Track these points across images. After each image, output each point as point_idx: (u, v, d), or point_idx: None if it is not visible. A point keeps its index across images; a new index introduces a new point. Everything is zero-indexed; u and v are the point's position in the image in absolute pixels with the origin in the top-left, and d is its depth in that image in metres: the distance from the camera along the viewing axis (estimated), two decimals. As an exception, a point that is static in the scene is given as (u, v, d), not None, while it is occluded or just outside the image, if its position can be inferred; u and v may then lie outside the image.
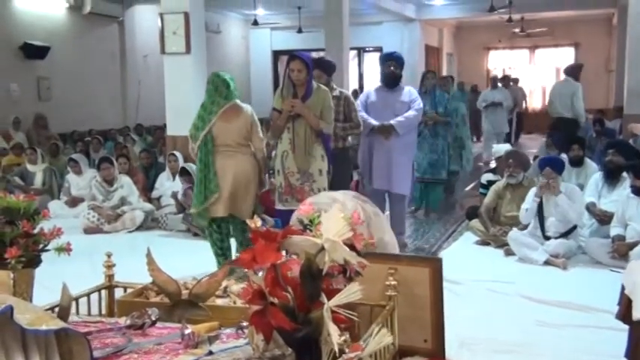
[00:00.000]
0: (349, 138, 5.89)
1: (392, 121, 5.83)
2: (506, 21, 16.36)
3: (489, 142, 12.62)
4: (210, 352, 2.19)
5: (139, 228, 7.16)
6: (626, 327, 3.08)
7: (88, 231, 6.92)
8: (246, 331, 2.55)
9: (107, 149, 10.37)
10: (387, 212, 6.12)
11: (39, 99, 11.78)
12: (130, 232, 7.08)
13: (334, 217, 2.12)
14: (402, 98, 5.97)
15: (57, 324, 1.43)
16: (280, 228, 4.67)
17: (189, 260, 5.83)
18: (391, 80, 6.00)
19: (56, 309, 2.23)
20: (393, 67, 5.98)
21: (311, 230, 2.53)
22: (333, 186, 5.58)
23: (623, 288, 2.49)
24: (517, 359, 3.52)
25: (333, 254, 2.03)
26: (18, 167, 8.75)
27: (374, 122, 5.84)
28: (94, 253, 5.79)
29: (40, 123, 11.11)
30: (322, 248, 2.04)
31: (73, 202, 7.94)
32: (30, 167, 8.57)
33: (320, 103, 5.03)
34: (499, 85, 13.92)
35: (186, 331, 2.29)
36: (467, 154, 8.86)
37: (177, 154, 7.70)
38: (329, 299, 1.97)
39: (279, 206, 5.19)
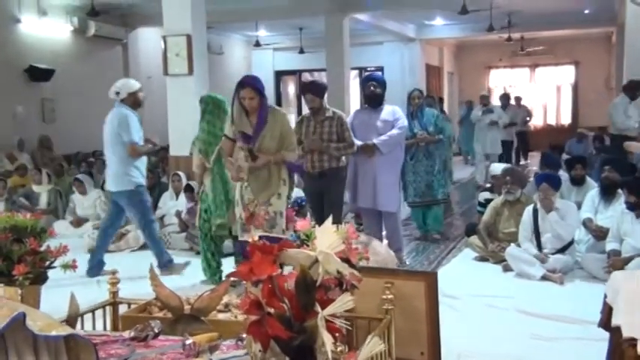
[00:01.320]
0: (343, 158, 5.88)
1: (375, 140, 5.88)
2: (505, 40, 16.53)
3: (480, 164, 12.22)
4: (210, 361, 2.28)
5: (143, 247, 7.25)
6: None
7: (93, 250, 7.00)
8: (243, 343, 2.64)
9: (111, 170, 10.47)
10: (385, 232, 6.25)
11: (43, 121, 11.94)
12: (134, 250, 7.17)
13: (328, 231, 2.21)
14: (384, 117, 6.01)
15: (66, 330, 1.52)
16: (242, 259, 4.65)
17: (192, 278, 5.94)
18: (373, 100, 6.07)
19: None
20: (373, 87, 6.03)
21: (308, 245, 2.63)
22: (328, 205, 5.68)
23: (605, 297, 2.58)
24: (513, 371, 3.59)
25: (326, 266, 2.12)
26: (23, 188, 8.87)
27: (357, 142, 5.87)
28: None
29: (44, 144, 11.25)
30: (316, 260, 2.13)
31: (78, 222, 8.05)
32: (35, 188, 8.69)
33: (277, 128, 4.83)
34: (492, 103, 13.23)
35: (188, 342, 2.38)
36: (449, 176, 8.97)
37: (181, 173, 7.83)
38: (323, 309, 2.06)
39: (243, 237, 4.93)
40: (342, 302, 2.06)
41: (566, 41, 19.19)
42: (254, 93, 4.71)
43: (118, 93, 6.21)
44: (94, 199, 7.82)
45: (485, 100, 12.79)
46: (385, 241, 6.02)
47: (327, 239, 2.16)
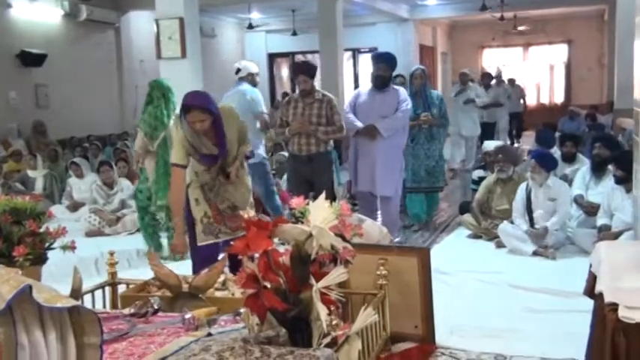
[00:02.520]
0: (332, 142, 5.80)
1: (377, 124, 5.72)
2: (498, 19, 16.53)
3: (455, 146, 11.49)
4: (210, 334, 2.34)
5: (140, 230, 7.31)
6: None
7: (90, 234, 7.05)
8: (241, 317, 2.72)
9: (106, 154, 10.51)
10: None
11: (37, 106, 11.92)
12: (131, 233, 7.22)
13: (321, 206, 2.28)
14: (389, 100, 5.85)
15: (70, 302, 1.58)
16: (197, 266, 4.10)
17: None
18: (379, 82, 5.88)
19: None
20: (382, 71, 5.86)
21: (302, 222, 2.69)
22: (315, 190, 5.60)
23: (590, 266, 2.66)
24: (504, 344, 3.67)
25: (320, 240, 2.18)
26: (18, 173, 8.89)
27: (359, 124, 5.77)
28: (96, 255, 6.00)
29: (38, 129, 11.24)
30: (310, 235, 2.19)
31: (74, 206, 8.08)
32: (30, 173, 8.71)
33: (234, 129, 4.20)
34: (470, 82, 11.62)
35: (187, 316, 2.45)
36: None
37: (168, 156, 7.90)
38: (318, 282, 2.13)
39: (207, 241, 4.26)
40: (336, 275, 2.14)
41: (559, 20, 19.19)
42: (204, 115, 3.96)
43: (239, 70, 6.78)
44: (91, 182, 7.84)
45: (464, 78, 11.56)
46: (379, 220, 6.03)
47: (321, 214, 2.23)
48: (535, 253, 5.56)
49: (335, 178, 7.15)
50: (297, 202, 2.78)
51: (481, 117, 11.93)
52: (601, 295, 2.21)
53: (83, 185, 8.18)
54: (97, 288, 3.62)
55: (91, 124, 12.74)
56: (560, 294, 4.49)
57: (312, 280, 2.12)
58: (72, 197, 8.18)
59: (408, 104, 5.89)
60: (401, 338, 3.62)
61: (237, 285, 2.54)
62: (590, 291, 2.53)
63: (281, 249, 2.35)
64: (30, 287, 1.48)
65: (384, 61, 5.95)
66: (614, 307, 2.11)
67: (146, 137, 5.77)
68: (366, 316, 2.28)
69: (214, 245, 4.27)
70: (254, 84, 6.72)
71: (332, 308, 2.19)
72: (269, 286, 2.12)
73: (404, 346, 3.59)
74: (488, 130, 12.25)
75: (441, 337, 3.70)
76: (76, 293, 2.18)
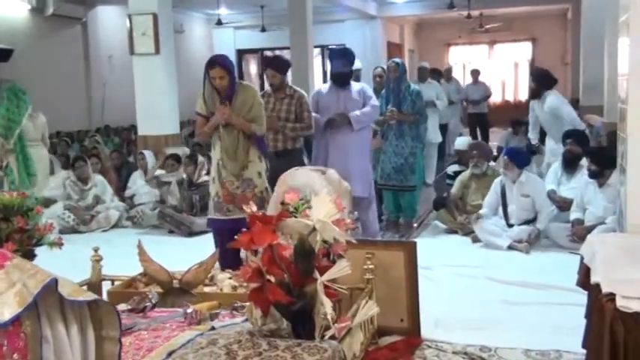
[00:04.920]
0: (301, 139, 5.73)
1: (350, 114, 5.60)
2: (465, 17, 16.73)
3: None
4: (213, 328, 2.37)
5: (114, 227, 7.27)
6: (583, 300, 3.36)
7: (64, 232, 6.95)
8: (238, 312, 2.75)
9: (74, 151, 10.39)
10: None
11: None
12: (105, 230, 7.18)
13: (324, 201, 2.32)
14: (353, 96, 5.72)
15: (90, 295, 1.60)
16: (216, 239, 4.81)
17: (167, 256, 5.95)
18: (339, 79, 5.76)
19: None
20: (340, 67, 5.72)
21: (296, 217, 2.73)
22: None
23: (582, 258, 2.75)
24: (487, 335, 3.74)
25: (323, 233, 2.22)
26: (-15, 170, 8.73)
27: (324, 119, 5.66)
28: (72, 252, 5.92)
29: (5, 126, 11.05)
30: (314, 229, 2.23)
31: (45, 203, 7.97)
32: (-1, 170, 8.56)
33: (248, 102, 4.74)
34: (429, 79, 10.04)
35: (189, 310, 2.46)
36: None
37: (145, 152, 7.86)
38: (321, 275, 2.17)
39: (216, 215, 4.83)
40: (340, 268, 2.18)
41: (524, 18, 19.52)
42: (224, 72, 4.60)
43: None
44: (62, 178, 7.74)
45: (422, 73, 10.00)
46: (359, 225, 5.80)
47: (324, 208, 2.27)
48: (510, 248, 5.67)
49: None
50: (290, 197, 2.82)
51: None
52: (597, 286, 2.30)
53: (54, 182, 8.07)
54: (82, 284, 3.59)
55: (59, 121, 12.53)
56: (535, 287, 4.60)
57: (316, 274, 2.16)
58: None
59: (375, 100, 5.82)
60: (387, 332, 3.67)
61: (240, 279, 2.57)
62: (583, 282, 2.63)
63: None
64: (56, 281, 1.50)
65: (342, 57, 5.80)
66: (612, 297, 2.20)
67: (1, 137, 6.11)
68: (368, 309, 2.32)
69: (224, 221, 4.75)
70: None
71: (334, 300, 2.23)
72: (273, 280, 2.15)
73: (390, 339, 3.64)
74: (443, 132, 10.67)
75: (425, 330, 3.76)
76: (94, 288, 2.18)
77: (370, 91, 5.88)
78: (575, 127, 6.60)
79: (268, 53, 19.16)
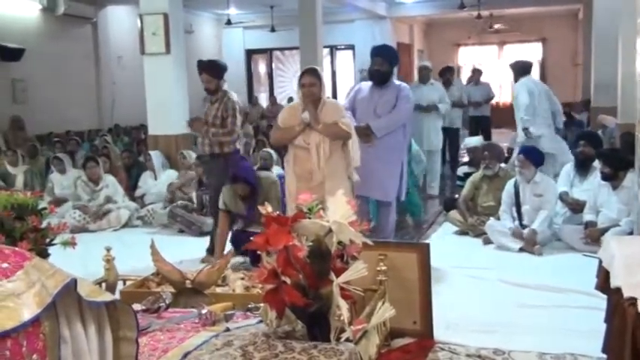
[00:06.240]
0: (232, 145, 5.67)
1: (370, 123, 5.29)
2: (475, 17, 16.68)
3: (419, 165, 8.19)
4: (228, 329, 2.36)
5: (124, 226, 7.28)
6: (597, 303, 3.33)
7: (74, 230, 6.97)
8: (252, 313, 2.73)
9: (84, 150, 10.42)
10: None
11: (14, 101, 11.77)
12: (116, 230, 7.18)
13: (340, 202, 2.30)
14: (387, 97, 5.41)
15: (109, 296, 1.59)
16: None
17: (178, 255, 5.97)
18: (376, 77, 5.48)
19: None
20: (377, 65, 5.44)
21: (310, 218, 2.71)
22: (209, 191, 5.71)
23: (600, 261, 2.72)
24: (500, 338, 3.71)
25: (340, 235, 2.21)
26: (-3, 169, 8.76)
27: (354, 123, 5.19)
28: (83, 251, 5.92)
29: (16, 125, 11.09)
30: (330, 230, 2.21)
31: (57, 202, 7.99)
32: (11, 169, 8.59)
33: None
34: (433, 80, 8.93)
35: (203, 311, 2.45)
36: None
37: (152, 153, 7.88)
38: (336, 277, 2.16)
39: None
40: (356, 270, 2.16)
41: (534, 18, 19.44)
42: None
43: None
44: (74, 178, 7.76)
45: (424, 74, 8.90)
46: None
47: (340, 210, 2.25)
48: (522, 250, 5.63)
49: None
50: (304, 198, 2.80)
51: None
52: (618, 290, 2.27)
53: (65, 181, 8.10)
54: (95, 284, 3.60)
55: (69, 120, 12.61)
56: (550, 289, 4.56)
57: (332, 276, 2.14)
58: (53, 193, 8.09)
59: (407, 101, 5.44)
60: (399, 334, 3.65)
61: (257, 280, 2.56)
62: (602, 286, 2.60)
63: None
64: (75, 282, 1.49)
65: (380, 55, 5.54)
66: (633, 301, 2.17)
67: None
68: (384, 311, 2.31)
69: None
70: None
71: (349, 303, 2.22)
72: (288, 281, 2.14)
73: (403, 341, 3.63)
74: (451, 137, 9.95)
75: (437, 333, 3.74)
76: (112, 287, 2.17)
77: (406, 92, 5.49)
78: (516, 114, 7.38)
79: (277, 53, 19.17)
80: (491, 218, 5.97)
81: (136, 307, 2.69)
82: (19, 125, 11.11)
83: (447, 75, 10.36)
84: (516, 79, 7.50)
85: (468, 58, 21.01)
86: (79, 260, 5.69)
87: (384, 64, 5.44)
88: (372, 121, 5.30)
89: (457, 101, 10.02)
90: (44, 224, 3.37)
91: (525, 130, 7.16)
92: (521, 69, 7.56)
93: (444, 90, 8.96)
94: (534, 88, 7.45)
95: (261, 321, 2.35)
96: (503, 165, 6.57)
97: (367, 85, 5.62)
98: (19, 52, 11.65)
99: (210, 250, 5.70)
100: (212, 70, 5.65)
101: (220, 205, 5.34)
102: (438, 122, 8.63)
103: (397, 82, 5.60)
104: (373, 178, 5.19)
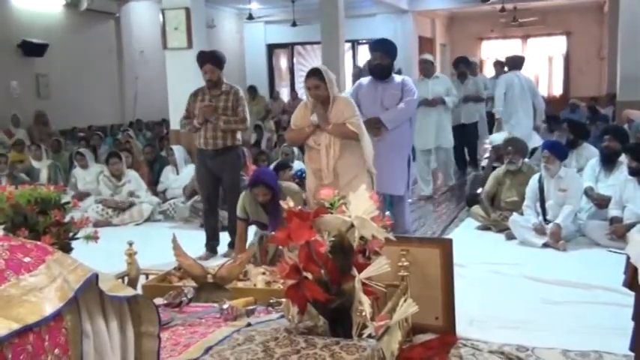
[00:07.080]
0: (238, 134, 5.62)
1: (380, 116, 5.29)
2: (499, 11, 16.51)
3: (419, 164, 8.01)
4: (249, 324, 2.35)
5: (146, 220, 7.32)
6: (624, 300, 3.26)
7: (97, 224, 7.02)
8: (274, 308, 2.72)
9: (107, 145, 10.50)
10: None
11: (38, 96, 11.90)
12: (138, 224, 7.23)
13: (362, 197, 2.28)
14: (392, 90, 5.44)
15: (130, 291, 1.59)
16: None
17: (199, 249, 6.00)
18: (377, 71, 5.49)
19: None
20: (378, 59, 5.46)
21: (332, 213, 2.70)
22: (223, 185, 5.62)
23: (628, 258, 2.67)
24: (523, 335, 3.67)
25: (362, 230, 2.19)
26: (22, 164, 8.85)
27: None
28: (105, 245, 5.96)
29: (40, 120, 11.22)
30: (352, 225, 2.20)
31: (80, 197, 8.05)
32: (35, 164, 8.69)
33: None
34: (437, 73, 8.55)
35: (225, 306, 2.45)
36: None
37: (174, 147, 7.90)
38: (359, 272, 2.14)
39: None
40: (379, 265, 2.14)
41: (558, 11, 19.20)
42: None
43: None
44: (97, 173, 7.82)
45: (426, 67, 8.33)
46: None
47: (362, 205, 2.23)
48: (546, 245, 5.57)
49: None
50: (326, 193, 2.78)
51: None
52: (646, 287, 2.23)
53: (88, 176, 8.16)
54: (117, 278, 3.62)
55: (92, 115, 12.72)
56: (575, 285, 4.50)
57: (355, 271, 2.12)
58: (77, 188, 8.16)
59: (413, 94, 5.47)
60: (421, 329, 3.62)
61: (278, 276, 2.54)
62: (631, 282, 2.55)
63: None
64: (97, 276, 1.49)
65: (380, 49, 5.56)
66: (662, 299, 2.13)
67: None
68: (407, 307, 2.28)
69: None
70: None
71: (371, 299, 2.20)
72: (310, 277, 2.13)
73: (425, 337, 3.60)
74: (467, 135, 9.53)
75: (460, 329, 3.71)
76: (134, 282, 2.18)
77: (410, 85, 5.53)
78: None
79: (299, 48, 19.14)
80: (515, 213, 5.91)
81: (158, 301, 2.69)
82: (43, 120, 11.23)
83: (462, 67, 9.80)
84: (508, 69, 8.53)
85: (491, 52, 20.80)
86: (101, 254, 5.72)
87: (385, 57, 5.46)
88: (380, 114, 5.31)
89: (472, 95, 9.55)
90: (67, 218, 3.39)
91: (498, 119, 8.22)
92: (512, 63, 8.64)
93: (450, 83, 8.57)
94: (517, 82, 8.32)
95: (282, 316, 2.34)
96: (526, 160, 6.47)
97: (367, 80, 5.65)
98: (42, 48, 11.77)
99: (231, 244, 5.69)
100: (216, 60, 5.56)
101: (238, 212, 5.04)
102: (446, 117, 8.25)
103: (398, 76, 5.63)
104: (383, 173, 5.08)
